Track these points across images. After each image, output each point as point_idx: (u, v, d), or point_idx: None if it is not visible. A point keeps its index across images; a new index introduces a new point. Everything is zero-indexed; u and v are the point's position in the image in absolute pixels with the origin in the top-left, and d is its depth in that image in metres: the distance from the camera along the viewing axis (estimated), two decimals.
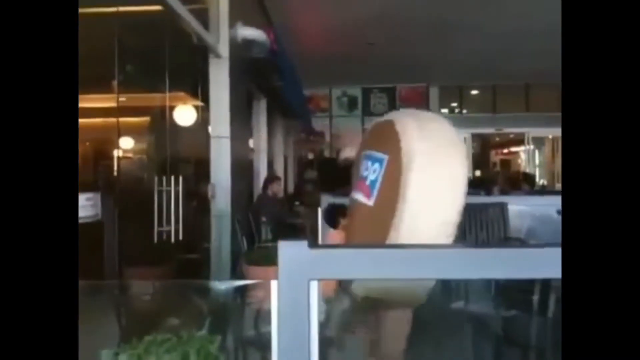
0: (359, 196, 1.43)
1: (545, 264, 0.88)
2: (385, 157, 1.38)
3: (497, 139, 13.62)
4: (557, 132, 12.02)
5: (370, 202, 1.45)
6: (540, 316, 1.21)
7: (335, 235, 2.97)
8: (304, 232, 4.87)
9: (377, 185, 1.44)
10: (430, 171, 1.30)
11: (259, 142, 6.57)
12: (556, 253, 0.80)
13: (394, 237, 1.31)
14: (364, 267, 0.97)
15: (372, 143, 1.49)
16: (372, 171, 1.46)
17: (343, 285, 1.71)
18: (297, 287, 0.98)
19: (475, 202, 3.75)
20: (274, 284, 1.01)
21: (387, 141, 1.42)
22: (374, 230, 1.40)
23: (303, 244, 1.01)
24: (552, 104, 11.50)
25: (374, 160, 1.43)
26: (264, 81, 5.67)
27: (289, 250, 1.01)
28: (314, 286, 0.99)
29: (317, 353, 0.98)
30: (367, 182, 1.47)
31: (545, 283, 1.18)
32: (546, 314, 1.20)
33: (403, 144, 1.38)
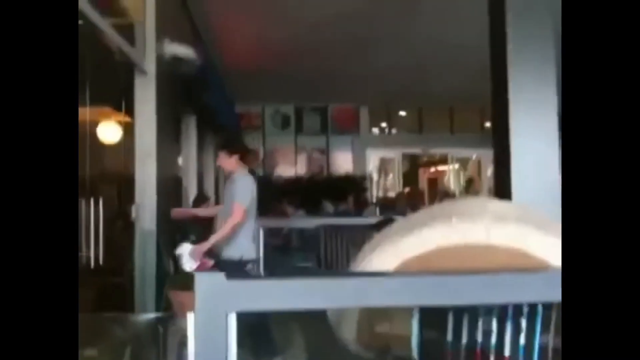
0: None
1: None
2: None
3: (425, 158, 14.14)
4: (479, 153, 12.67)
5: None
6: (455, 339, 1.23)
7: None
8: None
9: None
10: None
11: (187, 160, 6.42)
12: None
13: None
14: (284, 298, 0.95)
15: None
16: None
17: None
18: (214, 319, 0.94)
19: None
20: (190, 317, 0.97)
21: None
22: None
23: (220, 276, 0.98)
24: (475, 126, 12.14)
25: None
26: (193, 98, 5.57)
27: (206, 282, 0.98)
28: (232, 318, 0.95)
29: None
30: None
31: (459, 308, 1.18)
32: (460, 338, 1.22)
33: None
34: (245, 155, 3.80)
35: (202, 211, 4.21)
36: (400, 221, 1.27)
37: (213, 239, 3.57)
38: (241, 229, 3.57)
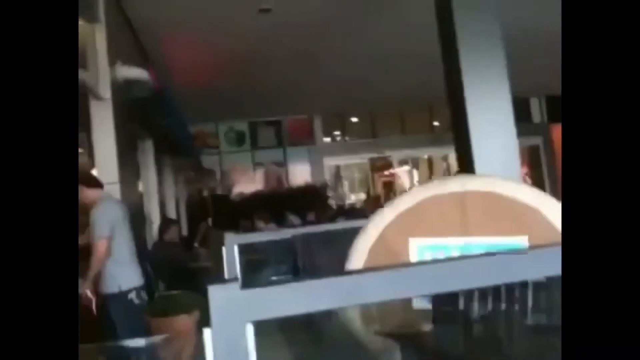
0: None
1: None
2: (523, 242, 1.07)
3: (378, 163, 14.35)
4: (431, 152, 13.01)
5: None
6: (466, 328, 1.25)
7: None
8: (208, 275, 4.68)
9: None
10: None
11: (147, 185, 6.26)
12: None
13: None
14: (301, 301, 0.94)
15: (480, 226, 1.08)
16: None
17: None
18: (233, 332, 0.92)
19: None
20: (207, 332, 0.95)
21: (519, 223, 1.08)
22: None
23: (234, 286, 0.96)
24: (425, 126, 12.46)
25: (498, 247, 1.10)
26: (149, 121, 5.46)
27: (220, 294, 0.96)
28: (250, 329, 0.94)
29: None
30: None
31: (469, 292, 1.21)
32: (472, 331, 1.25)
33: (554, 226, 1.05)
34: (90, 183, 3.57)
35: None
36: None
37: (86, 279, 3.37)
38: (111, 260, 3.44)
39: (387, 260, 1.19)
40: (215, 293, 0.96)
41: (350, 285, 0.98)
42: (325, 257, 3.50)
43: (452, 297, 1.22)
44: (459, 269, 0.96)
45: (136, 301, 3.44)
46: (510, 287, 1.25)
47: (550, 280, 1.12)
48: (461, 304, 1.23)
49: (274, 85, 8.71)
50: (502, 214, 1.08)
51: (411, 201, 1.17)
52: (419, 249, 1.12)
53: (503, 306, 1.31)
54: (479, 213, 1.08)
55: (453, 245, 1.10)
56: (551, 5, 3.49)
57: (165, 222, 5.51)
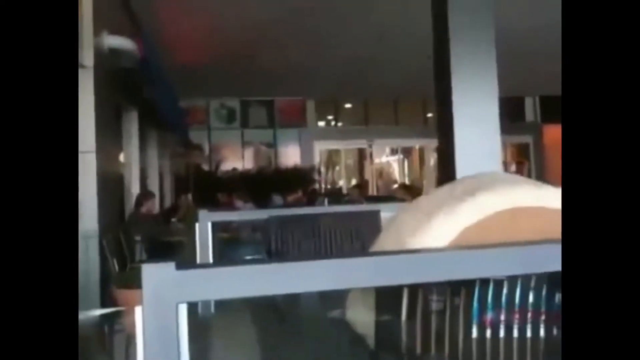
0: None
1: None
2: None
3: (371, 149, 14.37)
4: (423, 142, 13.01)
5: None
6: (409, 320, 1.26)
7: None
8: (182, 250, 4.68)
9: None
10: None
11: (129, 156, 6.21)
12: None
13: None
14: (237, 285, 0.94)
15: None
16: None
17: None
18: (164, 312, 0.92)
19: (349, 211, 3.87)
20: (138, 311, 0.94)
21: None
22: None
23: (169, 266, 0.95)
24: (418, 117, 12.44)
25: None
26: (135, 92, 5.39)
27: (154, 273, 0.95)
28: (183, 310, 0.93)
29: None
30: None
31: (414, 287, 1.21)
32: (415, 317, 1.25)
33: None
34: None
35: None
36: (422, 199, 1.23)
37: None
38: None
39: None
40: (149, 272, 0.95)
41: (286, 273, 0.98)
42: (298, 240, 3.48)
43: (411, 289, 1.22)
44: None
45: None
46: (468, 283, 1.26)
47: (510, 278, 1.12)
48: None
49: (270, 66, 8.63)
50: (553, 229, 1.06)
51: (477, 214, 1.05)
52: None
53: (459, 301, 1.32)
54: (531, 230, 1.03)
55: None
56: (552, 5, 3.46)
57: (143, 195, 5.48)
